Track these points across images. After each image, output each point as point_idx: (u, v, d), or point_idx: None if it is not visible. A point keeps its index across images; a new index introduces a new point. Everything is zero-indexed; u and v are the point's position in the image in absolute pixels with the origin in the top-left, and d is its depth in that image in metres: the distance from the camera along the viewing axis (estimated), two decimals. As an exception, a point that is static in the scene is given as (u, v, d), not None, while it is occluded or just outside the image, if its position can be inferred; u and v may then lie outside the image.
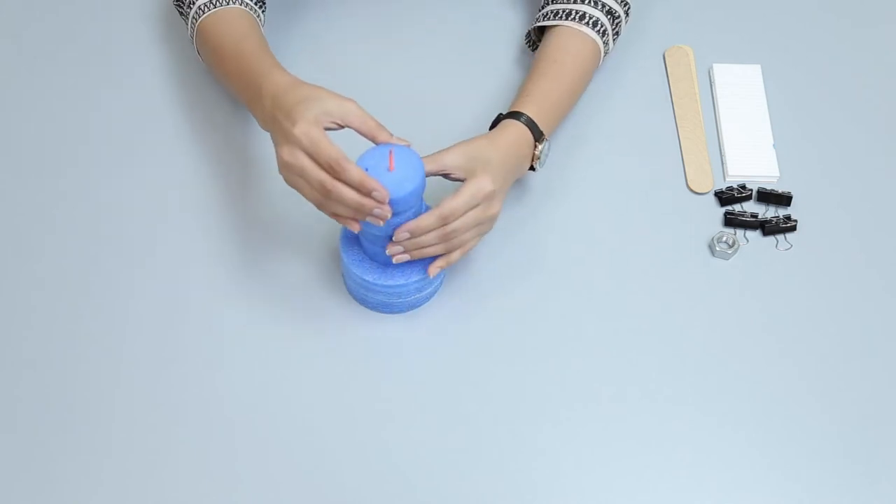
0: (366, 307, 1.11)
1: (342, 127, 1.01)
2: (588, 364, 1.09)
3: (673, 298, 1.13)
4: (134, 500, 1.01)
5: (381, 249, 1.04)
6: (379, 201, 0.98)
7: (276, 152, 1.02)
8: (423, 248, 1.04)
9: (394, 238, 1.02)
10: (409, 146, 1.02)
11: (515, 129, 1.10)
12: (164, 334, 1.10)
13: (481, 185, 1.03)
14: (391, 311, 1.11)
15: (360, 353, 1.09)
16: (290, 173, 1.01)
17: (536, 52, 1.21)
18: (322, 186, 0.98)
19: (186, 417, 1.05)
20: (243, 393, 1.07)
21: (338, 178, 0.98)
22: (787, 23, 1.34)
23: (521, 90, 1.15)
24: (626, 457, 1.04)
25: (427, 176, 1.03)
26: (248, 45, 1.13)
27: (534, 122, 1.11)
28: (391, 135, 1.02)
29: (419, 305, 1.12)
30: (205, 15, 1.17)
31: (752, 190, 1.19)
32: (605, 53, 1.21)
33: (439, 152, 1.05)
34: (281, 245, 1.15)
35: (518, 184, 1.18)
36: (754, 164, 1.21)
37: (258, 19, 1.20)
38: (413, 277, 1.06)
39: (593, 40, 1.18)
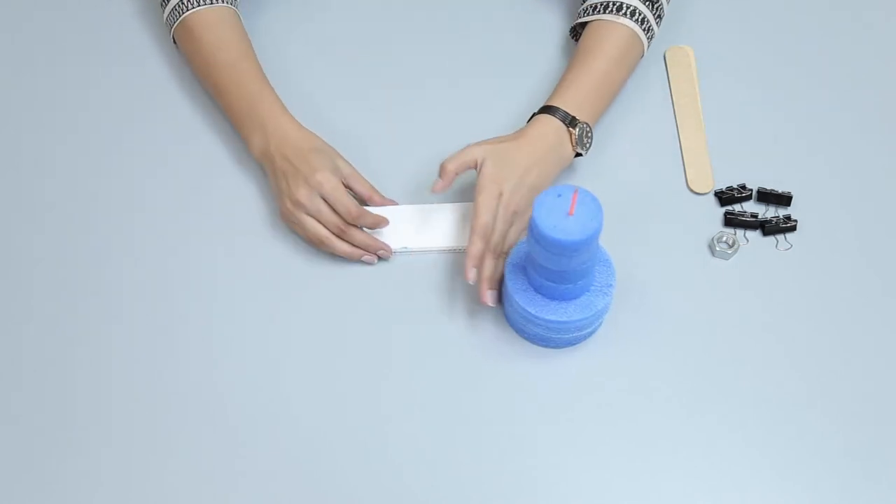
0: (523, 338, 1.10)
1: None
2: (587, 364, 1.09)
3: (673, 298, 1.13)
4: (135, 499, 1.02)
5: (547, 281, 1.02)
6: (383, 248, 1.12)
7: (286, 190, 1.11)
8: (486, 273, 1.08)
9: (468, 278, 1.06)
10: (396, 204, 1.15)
11: (541, 121, 1.14)
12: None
13: (487, 188, 1.08)
14: (547, 346, 1.09)
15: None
16: (299, 212, 1.10)
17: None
18: (337, 228, 1.11)
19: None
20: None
21: (355, 223, 1.11)
22: (788, 23, 1.33)
23: (556, 86, 1.18)
24: (625, 457, 1.04)
25: (452, 174, 1.09)
26: (245, 64, 1.18)
27: (560, 109, 1.13)
28: (383, 197, 1.15)
29: (576, 343, 1.10)
30: (192, 10, 1.19)
31: (752, 190, 1.19)
32: (650, 38, 1.22)
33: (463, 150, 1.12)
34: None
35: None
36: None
37: (238, 15, 1.22)
38: (576, 315, 1.04)
39: (630, 28, 1.19)
